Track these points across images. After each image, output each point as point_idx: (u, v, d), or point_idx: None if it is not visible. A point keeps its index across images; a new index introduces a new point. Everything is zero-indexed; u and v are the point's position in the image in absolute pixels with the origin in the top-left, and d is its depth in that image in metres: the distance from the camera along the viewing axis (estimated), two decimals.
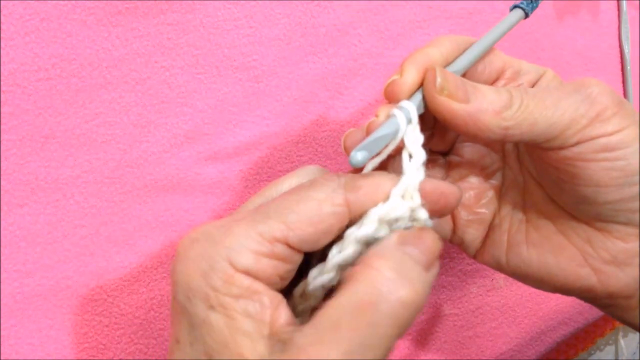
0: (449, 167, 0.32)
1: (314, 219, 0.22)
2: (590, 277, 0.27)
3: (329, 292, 0.22)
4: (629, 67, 0.49)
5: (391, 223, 0.23)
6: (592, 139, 0.25)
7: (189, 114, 0.33)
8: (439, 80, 0.24)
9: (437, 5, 0.40)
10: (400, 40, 0.39)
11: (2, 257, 0.29)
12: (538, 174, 0.29)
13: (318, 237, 0.22)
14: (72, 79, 0.30)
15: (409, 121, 0.24)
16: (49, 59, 0.30)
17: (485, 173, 0.31)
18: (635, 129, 0.25)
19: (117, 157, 0.31)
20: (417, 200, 0.24)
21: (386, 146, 0.24)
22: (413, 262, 0.21)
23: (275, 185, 0.25)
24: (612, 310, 0.29)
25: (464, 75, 0.27)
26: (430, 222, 0.24)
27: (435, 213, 0.24)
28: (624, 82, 0.50)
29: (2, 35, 0.29)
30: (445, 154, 0.32)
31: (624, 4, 0.49)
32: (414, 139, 0.24)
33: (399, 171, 0.24)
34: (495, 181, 0.31)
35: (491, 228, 0.31)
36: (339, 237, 0.23)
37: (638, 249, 0.26)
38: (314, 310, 0.21)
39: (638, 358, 0.48)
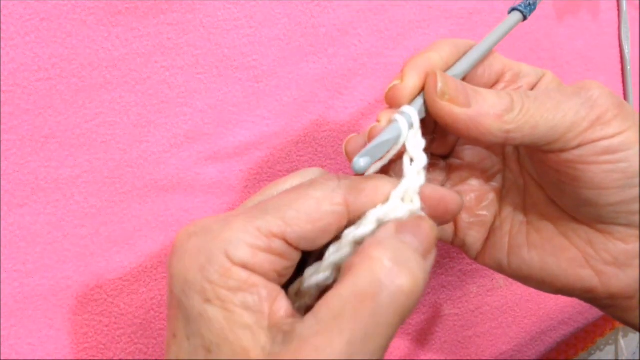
0: (449, 170, 0.32)
1: (312, 216, 0.22)
2: (591, 278, 0.27)
3: (324, 291, 0.22)
4: (629, 67, 0.49)
5: None
6: (593, 141, 0.25)
7: (189, 114, 0.33)
8: (440, 85, 0.24)
9: (437, 5, 0.40)
10: (400, 40, 0.39)
11: (2, 257, 0.29)
12: (539, 176, 0.29)
13: (316, 235, 0.22)
14: (72, 79, 0.30)
15: (411, 126, 0.24)
16: (49, 59, 0.30)
17: (485, 176, 0.31)
18: (635, 131, 0.25)
19: (117, 157, 0.31)
20: (416, 203, 0.24)
21: (388, 152, 0.24)
22: (411, 251, 0.21)
23: (276, 185, 0.25)
24: (612, 310, 0.29)
25: (464, 78, 0.27)
26: None
27: (436, 219, 0.25)
28: (624, 82, 0.50)
29: (2, 35, 0.29)
30: (445, 157, 0.32)
31: (624, 4, 0.49)
32: (415, 144, 0.25)
33: (400, 175, 0.24)
34: (495, 184, 0.31)
35: (492, 230, 0.31)
36: (336, 238, 0.23)
37: (638, 251, 0.26)
38: (308, 309, 0.21)
39: (638, 358, 0.48)
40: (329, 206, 0.22)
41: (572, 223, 0.28)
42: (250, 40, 0.34)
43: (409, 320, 0.41)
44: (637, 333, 0.48)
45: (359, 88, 0.38)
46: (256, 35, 0.34)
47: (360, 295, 0.20)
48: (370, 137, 0.25)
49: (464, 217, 0.31)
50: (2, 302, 0.29)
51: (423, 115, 0.25)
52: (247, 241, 0.21)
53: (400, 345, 0.41)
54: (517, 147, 0.31)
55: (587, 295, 0.28)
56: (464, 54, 0.27)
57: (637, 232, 0.26)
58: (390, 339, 0.21)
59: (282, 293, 0.22)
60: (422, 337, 0.41)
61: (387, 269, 0.20)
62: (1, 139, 0.29)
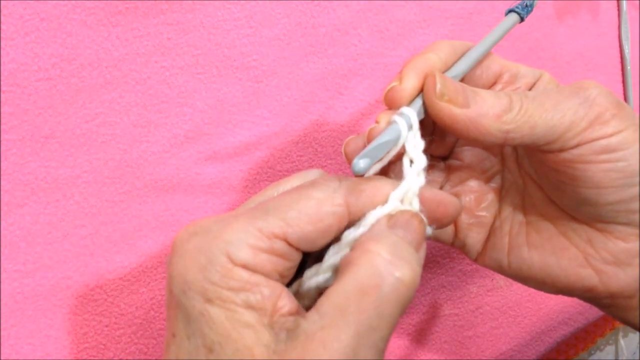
0: (448, 171, 0.32)
1: (313, 217, 0.22)
2: (591, 277, 0.27)
3: (322, 292, 0.23)
4: (629, 67, 0.49)
5: None
6: (592, 140, 0.25)
7: (189, 114, 0.33)
8: (439, 86, 0.25)
9: (437, 5, 0.40)
10: (400, 40, 0.39)
11: (2, 257, 0.29)
12: (538, 177, 0.29)
13: (317, 236, 0.22)
14: (72, 79, 0.30)
15: (410, 127, 0.25)
16: (49, 59, 0.30)
17: (485, 176, 0.31)
18: (634, 130, 0.25)
19: (117, 157, 0.31)
20: (415, 205, 0.24)
21: (387, 153, 0.24)
22: (406, 244, 0.22)
23: (276, 186, 0.25)
24: (613, 310, 0.29)
25: (462, 80, 0.27)
26: (430, 230, 0.24)
27: (434, 221, 0.25)
28: (624, 82, 0.50)
29: (2, 35, 0.29)
30: (444, 158, 0.32)
31: (624, 4, 0.49)
32: (415, 145, 0.25)
33: (400, 176, 0.24)
34: (495, 184, 0.31)
35: (492, 231, 0.31)
36: (336, 239, 0.23)
37: (638, 249, 0.26)
38: (307, 310, 0.22)
39: (638, 358, 0.48)
40: (329, 207, 0.22)
41: (572, 222, 0.28)
42: (250, 40, 0.34)
43: (409, 320, 0.41)
44: (637, 333, 0.48)
45: (359, 88, 0.38)
46: (256, 35, 0.34)
47: (363, 288, 0.20)
48: (370, 139, 0.25)
49: (464, 218, 0.31)
50: (2, 302, 0.29)
51: (422, 116, 0.26)
52: (248, 242, 0.21)
53: (400, 345, 0.41)
54: (515, 148, 0.31)
55: (588, 295, 0.28)
56: (462, 55, 0.28)
57: (637, 230, 0.26)
58: (392, 329, 0.21)
59: (285, 291, 0.22)
60: (422, 337, 0.41)
61: (387, 261, 0.21)
62: (1, 139, 0.29)
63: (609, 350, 0.47)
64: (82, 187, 0.31)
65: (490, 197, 0.31)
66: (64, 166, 0.30)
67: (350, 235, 0.23)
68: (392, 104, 0.26)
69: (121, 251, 0.32)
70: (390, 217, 0.23)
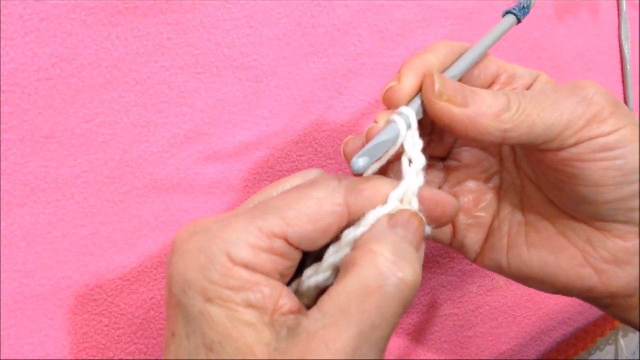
0: (447, 172, 0.32)
1: (313, 217, 0.22)
2: (591, 277, 0.27)
3: (322, 292, 0.23)
4: (629, 67, 0.49)
5: None
6: (591, 139, 0.25)
7: (189, 114, 0.33)
8: (437, 85, 0.25)
9: (437, 5, 0.40)
10: (400, 40, 0.39)
11: (2, 257, 0.29)
12: (536, 176, 0.29)
13: (317, 235, 0.22)
14: (72, 79, 0.30)
15: (409, 127, 0.25)
16: (49, 59, 0.30)
17: (483, 177, 0.31)
18: (632, 128, 0.25)
19: (117, 157, 0.31)
20: (415, 205, 0.24)
21: (386, 152, 0.24)
22: (407, 244, 0.22)
23: (276, 186, 0.25)
24: (613, 310, 0.29)
25: (460, 80, 0.27)
26: (428, 230, 0.24)
27: (433, 221, 0.25)
28: (624, 82, 0.50)
29: (2, 35, 0.29)
30: (443, 159, 0.32)
31: (624, 4, 0.49)
32: (413, 145, 0.25)
33: (399, 176, 0.25)
34: (493, 185, 0.31)
35: (491, 231, 0.31)
36: (335, 239, 0.23)
37: (637, 248, 0.27)
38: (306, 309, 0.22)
39: (638, 358, 0.48)
40: (329, 206, 0.22)
41: (571, 222, 0.28)
42: (250, 40, 0.34)
43: (409, 320, 0.41)
44: (637, 333, 0.48)
45: (359, 88, 0.38)
46: (256, 35, 0.34)
47: (366, 288, 0.20)
48: (368, 138, 0.25)
49: (462, 219, 0.31)
50: (2, 302, 0.29)
51: (420, 116, 0.26)
52: (248, 241, 0.21)
53: (400, 345, 0.41)
54: (513, 148, 0.31)
55: (588, 295, 0.28)
56: (460, 56, 0.28)
57: (636, 229, 0.26)
58: (394, 328, 0.21)
59: (285, 290, 0.22)
60: (422, 337, 0.41)
61: (390, 262, 0.21)
62: (1, 139, 0.29)
63: (609, 350, 0.47)
64: (82, 187, 0.31)
65: (489, 197, 0.31)
66: (64, 166, 0.30)
67: (350, 234, 0.23)
68: (390, 104, 0.26)
69: (121, 251, 0.32)
70: (391, 216, 0.23)
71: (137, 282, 0.32)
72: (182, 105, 0.33)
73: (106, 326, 0.32)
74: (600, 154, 0.25)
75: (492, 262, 0.30)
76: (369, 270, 0.21)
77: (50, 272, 0.30)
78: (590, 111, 0.25)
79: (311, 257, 0.24)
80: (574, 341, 0.46)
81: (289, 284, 0.24)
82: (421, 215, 0.24)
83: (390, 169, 0.27)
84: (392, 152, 0.25)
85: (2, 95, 0.29)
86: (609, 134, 0.25)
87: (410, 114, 0.25)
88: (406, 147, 0.25)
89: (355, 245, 0.22)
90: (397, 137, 0.24)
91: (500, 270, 0.30)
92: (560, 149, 0.25)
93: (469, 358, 0.43)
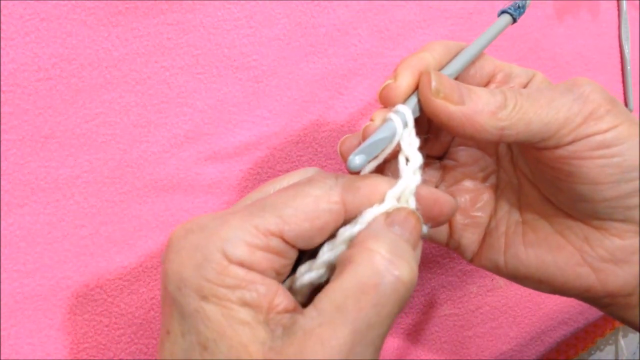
0: (444, 172, 0.32)
1: (310, 214, 0.22)
2: (589, 276, 0.27)
3: (316, 289, 0.23)
4: (629, 67, 0.49)
5: None
6: (587, 136, 0.25)
7: (189, 114, 0.33)
8: (434, 83, 0.25)
9: (437, 5, 0.40)
10: (400, 40, 0.39)
11: (2, 257, 0.29)
12: (533, 175, 0.29)
13: (313, 233, 0.22)
14: (72, 79, 0.30)
15: (405, 125, 0.25)
16: (49, 59, 0.30)
17: (480, 176, 0.31)
18: (628, 125, 0.25)
19: (117, 157, 0.31)
20: (412, 204, 0.24)
21: (383, 150, 0.24)
22: (404, 242, 0.22)
23: (273, 183, 0.25)
24: (611, 309, 0.29)
25: (456, 79, 0.27)
26: (425, 228, 0.24)
27: (430, 220, 0.25)
28: (624, 82, 0.50)
29: (2, 35, 0.29)
30: (440, 158, 0.32)
31: (624, 4, 0.49)
32: (410, 143, 0.25)
33: (395, 175, 0.25)
34: (490, 184, 0.31)
35: (488, 231, 0.31)
36: (330, 236, 0.23)
37: (635, 246, 0.27)
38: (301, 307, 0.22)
39: (638, 358, 0.48)
40: (326, 204, 0.22)
41: (568, 220, 0.28)
42: (250, 40, 0.34)
43: (409, 320, 0.41)
44: (637, 333, 0.48)
45: (359, 88, 0.38)
46: (256, 35, 0.34)
47: (362, 286, 0.20)
48: (365, 136, 0.25)
49: (459, 219, 0.31)
50: (2, 302, 0.29)
51: (417, 114, 0.26)
52: (244, 239, 0.21)
53: (400, 345, 0.41)
54: (510, 147, 0.31)
55: (586, 295, 0.28)
56: (456, 55, 0.28)
57: (634, 227, 0.26)
58: (390, 327, 0.21)
59: (281, 288, 0.22)
60: (422, 337, 0.41)
61: (387, 260, 0.21)
62: (1, 139, 0.29)
63: (609, 350, 0.47)
64: (82, 187, 0.31)
65: (486, 197, 0.31)
66: (64, 166, 0.30)
67: (346, 232, 0.23)
68: (387, 102, 0.26)
69: (121, 251, 0.32)
70: (388, 214, 0.23)
71: (137, 282, 0.32)
72: (182, 105, 0.33)
73: (106, 326, 0.32)
74: (598, 151, 0.25)
75: (489, 262, 0.30)
76: (365, 268, 0.21)
77: (50, 272, 0.30)
78: (586, 108, 0.25)
79: (307, 255, 0.24)
80: (574, 341, 0.46)
81: (283, 281, 0.24)
82: (418, 213, 0.24)
83: (387, 167, 0.27)
84: (389, 150, 0.25)
85: (2, 95, 0.29)
86: (605, 131, 0.25)
87: (406, 112, 0.25)
88: (403, 145, 0.25)
89: (352, 242, 0.22)
90: (393, 135, 0.24)
91: (498, 270, 0.30)
92: (557, 147, 0.25)
93: (469, 358, 0.43)
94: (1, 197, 0.29)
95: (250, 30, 0.34)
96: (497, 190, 0.31)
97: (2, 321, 0.29)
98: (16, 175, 0.29)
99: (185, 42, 0.33)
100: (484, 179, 0.31)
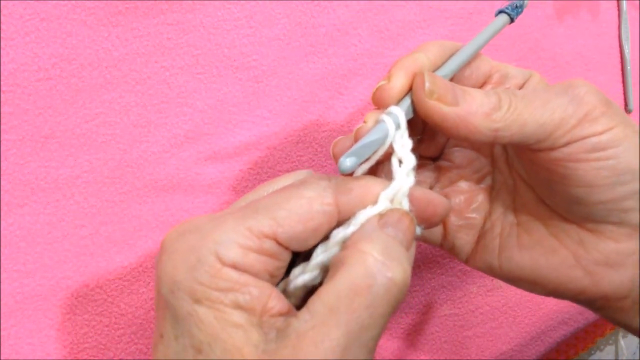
0: (438, 173, 0.32)
1: (303, 216, 0.22)
2: (582, 278, 0.27)
3: (309, 291, 0.23)
4: (629, 67, 0.49)
5: None
6: (582, 138, 0.25)
7: (189, 114, 0.33)
8: (427, 84, 0.25)
9: (437, 5, 0.40)
10: (400, 40, 0.39)
11: (2, 257, 0.29)
12: (528, 177, 0.29)
13: (307, 235, 0.22)
14: (72, 79, 0.30)
15: (398, 126, 0.25)
16: (49, 59, 0.30)
17: (475, 177, 0.31)
18: (623, 127, 0.25)
19: (117, 157, 0.31)
20: (405, 205, 0.24)
21: (375, 152, 0.24)
22: (397, 243, 0.22)
23: (267, 186, 0.25)
24: (605, 312, 0.29)
25: (451, 80, 0.27)
26: (419, 230, 0.24)
27: (423, 221, 0.25)
28: (624, 82, 0.50)
29: (2, 35, 0.29)
30: (435, 159, 0.32)
31: (624, 4, 0.49)
32: (403, 144, 0.25)
33: (389, 176, 0.24)
34: (485, 185, 0.31)
35: (482, 233, 0.31)
36: (324, 238, 0.23)
37: (630, 250, 0.26)
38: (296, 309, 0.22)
39: (638, 358, 0.48)
40: (320, 206, 0.22)
41: (563, 223, 0.28)
42: (250, 40, 0.34)
43: (409, 320, 0.41)
44: None
45: (359, 88, 0.38)
46: (256, 35, 0.34)
47: (355, 288, 0.20)
48: (357, 138, 0.25)
49: (453, 220, 0.31)
50: (2, 302, 0.29)
51: (410, 115, 0.25)
52: (237, 241, 0.21)
53: (400, 345, 0.41)
54: (505, 148, 0.31)
55: (579, 297, 0.28)
56: (451, 55, 0.28)
57: (629, 230, 0.26)
58: (383, 328, 0.21)
59: (275, 291, 0.22)
60: (422, 337, 0.41)
61: (379, 262, 0.21)
62: (1, 139, 0.29)
63: (609, 350, 0.47)
64: (82, 187, 0.31)
65: (481, 198, 0.31)
66: (64, 166, 0.30)
67: (339, 234, 0.23)
68: (380, 103, 0.25)
69: (121, 251, 0.32)
70: (381, 216, 0.23)
71: (137, 282, 0.32)
72: (182, 105, 0.33)
73: (106, 326, 0.32)
74: (592, 153, 0.25)
75: (484, 263, 0.30)
76: (358, 270, 0.21)
77: (50, 272, 0.30)
78: (581, 110, 0.25)
79: (301, 257, 0.24)
80: (574, 341, 0.46)
81: (277, 284, 0.24)
82: (412, 214, 0.24)
83: (381, 168, 0.27)
84: (381, 152, 0.24)
85: (2, 95, 0.29)
86: (600, 133, 0.25)
87: (399, 114, 0.25)
88: (395, 147, 0.24)
89: (345, 244, 0.22)
90: (385, 137, 0.24)
91: (492, 272, 0.30)
92: (551, 149, 0.25)
93: (469, 358, 0.43)
94: (1, 197, 0.29)
95: (250, 30, 0.34)
96: (492, 192, 0.31)
97: (2, 321, 0.29)
98: (16, 175, 0.29)
99: (185, 42, 0.33)
100: (479, 180, 0.31)
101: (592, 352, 0.46)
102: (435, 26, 0.40)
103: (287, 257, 0.22)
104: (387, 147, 0.24)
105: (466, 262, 0.31)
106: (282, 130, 0.36)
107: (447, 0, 0.41)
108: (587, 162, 0.25)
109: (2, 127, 0.29)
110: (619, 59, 0.50)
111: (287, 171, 0.36)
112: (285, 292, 0.23)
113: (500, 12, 0.30)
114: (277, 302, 0.21)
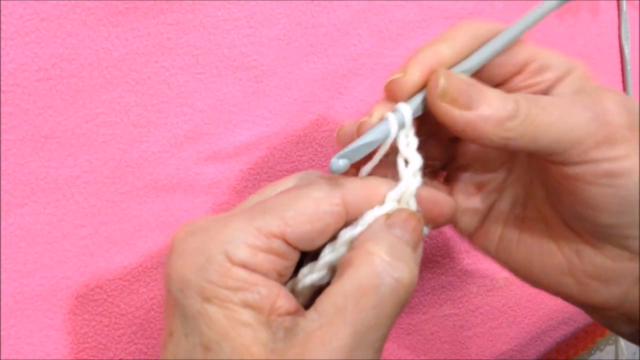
0: (456, 152, 0.30)
1: (311, 216, 0.22)
2: (572, 286, 0.27)
3: (317, 291, 0.23)
4: (629, 67, 0.49)
5: None
6: (596, 161, 0.24)
7: (189, 114, 0.33)
8: (441, 85, 0.23)
9: (437, 5, 0.40)
10: (400, 40, 0.39)
11: (2, 257, 0.29)
12: (541, 176, 0.29)
13: (315, 235, 0.22)
14: (72, 79, 0.30)
15: (402, 126, 0.24)
16: (49, 59, 0.30)
17: (492, 165, 0.30)
18: None
19: (117, 157, 0.31)
20: (412, 206, 0.24)
21: (377, 153, 0.24)
22: (404, 244, 0.22)
23: (273, 186, 0.25)
24: (594, 317, 0.29)
25: (481, 68, 0.25)
26: (426, 230, 0.24)
27: (430, 221, 0.25)
28: (624, 82, 0.50)
29: (2, 35, 0.29)
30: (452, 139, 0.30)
31: (624, 4, 0.49)
32: (408, 144, 0.24)
33: (395, 176, 0.24)
34: (500, 175, 0.30)
35: (487, 219, 0.30)
36: (332, 238, 0.23)
37: (625, 271, 0.26)
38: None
39: (638, 358, 0.48)
40: (327, 206, 0.22)
41: (565, 229, 0.27)
42: (250, 40, 0.34)
43: (409, 320, 0.41)
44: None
45: (359, 88, 0.38)
46: (256, 35, 0.34)
47: (362, 288, 0.21)
48: (359, 133, 0.24)
49: (461, 202, 0.30)
50: (2, 302, 0.29)
51: (422, 111, 0.25)
52: (246, 241, 0.21)
53: (400, 345, 0.41)
54: None
55: (568, 300, 0.28)
56: (485, 41, 0.25)
57: (628, 254, 0.25)
58: (390, 328, 0.21)
59: (283, 290, 0.22)
60: (422, 337, 0.41)
61: (386, 262, 0.21)
62: (1, 139, 0.29)
63: (609, 350, 0.47)
64: (82, 187, 0.31)
65: (493, 185, 0.30)
66: (64, 166, 0.30)
67: (347, 234, 0.23)
68: (391, 97, 0.25)
69: (121, 251, 0.32)
70: (388, 216, 0.23)
71: (137, 282, 0.32)
72: (182, 105, 0.33)
73: (106, 326, 0.32)
74: (604, 179, 0.24)
75: (482, 246, 0.30)
76: (365, 270, 0.21)
77: (50, 272, 0.30)
78: (602, 132, 0.23)
79: (309, 257, 0.24)
80: (574, 341, 0.46)
81: (285, 283, 0.24)
82: (419, 215, 0.24)
83: (388, 167, 0.27)
84: (383, 152, 0.24)
85: (2, 95, 0.29)
86: (616, 159, 0.23)
87: (405, 112, 0.24)
88: (400, 147, 0.24)
89: (352, 244, 0.22)
90: (385, 138, 0.24)
91: (489, 255, 0.30)
92: (564, 164, 0.24)
93: (469, 358, 0.43)
94: (1, 197, 0.29)
95: (250, 30, 0.34)
96: (507, 181, 0.30)
97: (2, 321, 0.29)
98: (16, 175, 0.29)
99: (185, 42, 0.33)
100: (495, 169, 0.30)
101: (592, 352, 0.46)
102: (435, 26, 0.40)
103: (295, 256, 0.23)
104: (389, 148, 0.24)
105: (469, 240, 0.31)
106: (282, 130, 0.36)
107: (447, 0, 0.41)
108: (597, 187, 0.24)
109: (2, 127, 0.29)
110: (619, 59, 0.50)
111: (287, 171, 0.36)
112: (293, 291, 0.24)
113: None
114: (285, 301, 0.21)
